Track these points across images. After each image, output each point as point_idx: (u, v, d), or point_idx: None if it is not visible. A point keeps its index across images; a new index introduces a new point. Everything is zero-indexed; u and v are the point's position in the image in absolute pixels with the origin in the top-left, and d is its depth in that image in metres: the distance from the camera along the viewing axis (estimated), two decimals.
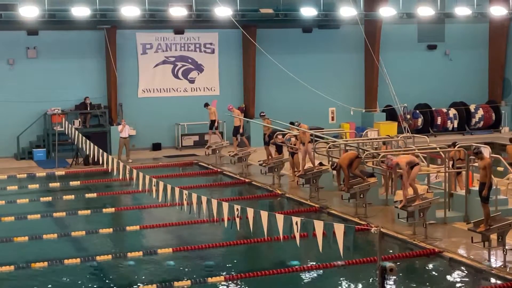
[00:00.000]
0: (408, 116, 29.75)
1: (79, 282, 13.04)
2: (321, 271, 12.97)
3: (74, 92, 27.60)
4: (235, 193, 20.86)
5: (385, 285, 9.50)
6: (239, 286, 12.73)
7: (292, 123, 24.41)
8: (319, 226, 10.69)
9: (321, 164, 19.72)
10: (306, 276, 12.80)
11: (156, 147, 28.58)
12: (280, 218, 11.31)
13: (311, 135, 20.70)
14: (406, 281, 12.99)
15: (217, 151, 25.40)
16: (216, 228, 15.73)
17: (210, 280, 12.85)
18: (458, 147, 18.12)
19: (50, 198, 20.25)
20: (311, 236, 10.85)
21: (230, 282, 12.85)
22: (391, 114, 30.28)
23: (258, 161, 21.90)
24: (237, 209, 12.21)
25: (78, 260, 14.06)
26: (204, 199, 13.55)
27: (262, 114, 24.51)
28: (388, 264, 9.47)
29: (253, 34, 28.25)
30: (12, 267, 13.59)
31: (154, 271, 13.63)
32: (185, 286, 12.63)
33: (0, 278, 13.24)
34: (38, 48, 27.28)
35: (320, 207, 17.96)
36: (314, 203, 18.39)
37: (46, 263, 13.82)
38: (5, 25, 26.19)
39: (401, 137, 21.47)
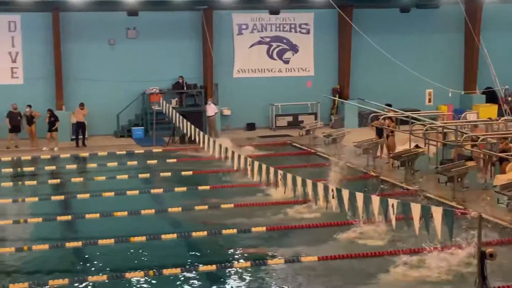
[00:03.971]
0: (510, 99, 28.76)
1: (175, 256, 13.33)
2: (416, 255, 12.76)
3: (171, 72, 28.16)
4: (328, 175, 20.73)
5: (485, 270, 9.25)
6: (331, 267, 12.69)
7: (388, 105, 24.10)
8: (416, 209, 10.53)
9: (417, 146, 19.37)
10: (401, 259, 12.62)
11: (250, 127, 28.83)
12: (376, 200, 11.21)
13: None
14: (506, 267, 12.60)
15: (311, 132, 25.36)
16: (309, 208, 15.75)
17: (303, 259, 12.88)
18: None
19: (148, 175, 20.76)
20: (407, 219, 10.71)
21: (322, 262, 12.83)
22: (491, 97, 29.38)
23: (353, 142, 21.71)
24: (332, 190, 12.18)
25: (175, 235, 14.38)
26: (299, 179, 13.59)
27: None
28: (488, 249, 9.23)
29: (349, 14, 27.93)
30: (112, 240, 14.05)
31: (247, 248, 13.77)
32: (278, 263, 12.71)
33: (101, 250, 13.71)
34: (137, 28, 27.94)
35: (416, 190, 17.64)
36: (410, 186, 18.09)
37: (144, 238, 14.20)
38: (106, 6, 26.94)
39: (502, 120, 20.80)
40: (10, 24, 27.15)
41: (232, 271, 12.46)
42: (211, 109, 26.82)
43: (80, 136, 25.87)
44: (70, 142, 26.41)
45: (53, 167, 22.25)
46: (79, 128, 25.96)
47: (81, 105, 25.94)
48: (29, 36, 27.22)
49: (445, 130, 20.07)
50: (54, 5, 26.65)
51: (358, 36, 27.49)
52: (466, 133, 19.13)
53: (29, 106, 25.55)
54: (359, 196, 11.57)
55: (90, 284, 11.90)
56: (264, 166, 15.40)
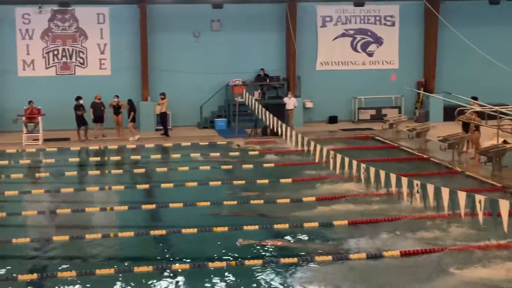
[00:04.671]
0: None
1: (257, 248, 13.37)
2: (503, 252, 12.41)
3: (254, 64, 28.33)
4: (412, 169, 20.40)
5: None
6: (413, 262, 12.48)
7: (474, 98, 23.53)
8: (504, 205, 10.24)
9: (505, 142, 18.82)
10: (487, 256, 12.29)
11: (333, 120, 28.68)
12: (462, 196, 10.95)
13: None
14: None
15: (395, 126, 25.02)
16: (393, 202, 15.54)
17: (385, 254, 12.71)
18: None
19: (230, 166, 20.93)
20: (495, 216, 10.43)
21: (405, 257, 12.63)
22: None
23: (437, 137, 21.30)
24: (417, 184, 11.98)
25: (257, 227, 14.43)
26: (382, 173, 13.44)
27: None
28: None
29: (436, 6, 27.42)
30: (195, 230, 14.23)
31: (329, 242, 13.68)
32: (360, 258, 12.59)
33: (184, 239, 13.90)
34: (222, 21, 28.19)
35: (503, 187, 17.14)
36: (497, 182, 17.58)
37: (226, 228, 14.31)
38: None
39: None
40: (99, 16, 27.89)
41: (313, 265, 12.42)
42: (291, 103, 26.80)
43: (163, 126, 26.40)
44: (154, 132, 26.99)
45: (138, 157, 22.76)
46: (161, 118, 26.47)
47: (162, 95, 26.44)
48: (117, 28, 27.90)
49: None
50: None
51: (444, 29, 26.94)
52: None
53: (117, 96, 26.18)
54: (445, 191, 11.34)
55: (173, 272, 12.09)
56: (346, 159, 15.29)
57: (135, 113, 25.99)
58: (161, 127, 26.64)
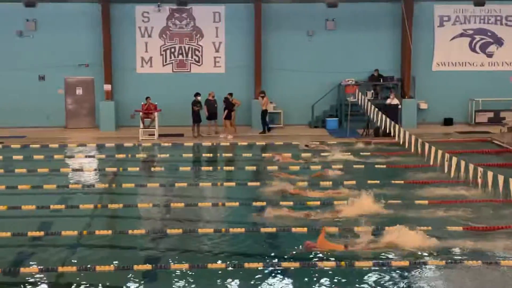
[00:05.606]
0: None
1: (367, 250, 13.21)
2: None
3: (367, 64, 28.04)
4: None
5: None
6: None
7: None
8: None
9: None
10: None
11: (448, 122, 27.97)
12: None
13: None
14: None
15: None
16: (510, 208, 14.97)
17: (503, 263, 12.26)
18: None
19: (340, 166, 20.74)
20: None
21: None
22: None
23: None
24: None
25: (370, 228, 14.19)
26: (500, 178, 12.96)
27: None
28: None
29: None
30: (305, 229, 14.19)
31: (442, 247, 13.31)
32: (474, 264, 12.21)
33: (294, 238, 13.87)
34: (336, 20, 28.04)
35: None
36: None
37: (336, 229, 14.19)
38: None
39: None
40: (215, 15, 28.38)
41: (426, 268, 12.15)
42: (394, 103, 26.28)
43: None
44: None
45: (249, 154, 22.96)
46: (261, 116, 26.66)
47: (262, 94, 26.64)
48: (232, 27, 28.29)
49: None
50: None
51: None
52: None
53: (230, 94, 26.54)
54: None
55: (282, 269, 12.12)
56: (462, 163, 14.84)
57: (230, 111, 26.22)
58: (269, 126, 26.81)
